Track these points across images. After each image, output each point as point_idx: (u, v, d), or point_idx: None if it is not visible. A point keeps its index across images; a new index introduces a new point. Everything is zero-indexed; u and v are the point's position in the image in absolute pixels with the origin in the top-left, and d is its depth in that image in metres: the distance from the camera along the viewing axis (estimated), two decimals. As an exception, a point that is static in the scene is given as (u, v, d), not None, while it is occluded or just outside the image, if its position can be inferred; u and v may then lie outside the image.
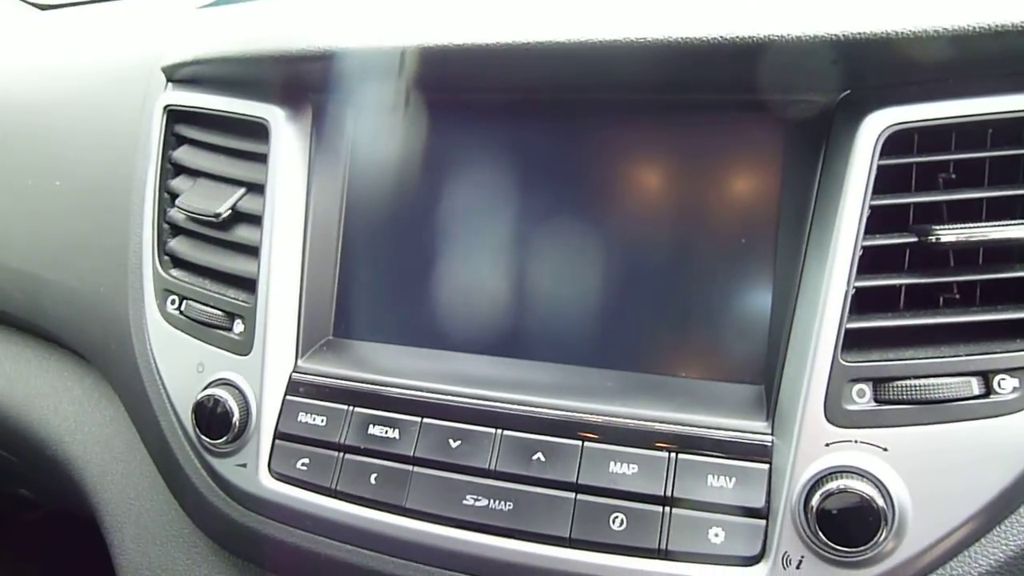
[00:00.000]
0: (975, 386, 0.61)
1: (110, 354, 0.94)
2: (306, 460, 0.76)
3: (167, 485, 0.89)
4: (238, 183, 0.85)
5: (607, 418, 0.70)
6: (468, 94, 0.82)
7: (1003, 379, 0.61)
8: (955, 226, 0.62)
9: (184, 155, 0.90)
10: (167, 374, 0.85)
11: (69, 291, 1.00)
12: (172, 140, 0.91)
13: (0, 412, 1.08)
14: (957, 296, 0.64)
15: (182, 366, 0.84)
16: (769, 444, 0.66)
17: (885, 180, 0.64)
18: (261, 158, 0.83)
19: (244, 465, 0.79)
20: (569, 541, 0.67)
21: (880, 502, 0.60)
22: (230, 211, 0.84)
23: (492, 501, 0.70)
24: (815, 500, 0.61)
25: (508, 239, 0.81)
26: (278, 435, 0.78)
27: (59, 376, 1.05)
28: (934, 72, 0.64)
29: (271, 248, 0.81)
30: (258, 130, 0.84)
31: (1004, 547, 0.62)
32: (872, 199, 0.64)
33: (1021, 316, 0.61)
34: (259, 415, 0.79)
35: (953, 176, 0.65)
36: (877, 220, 0.64)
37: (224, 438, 0.78)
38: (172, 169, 0.90)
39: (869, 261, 0.64)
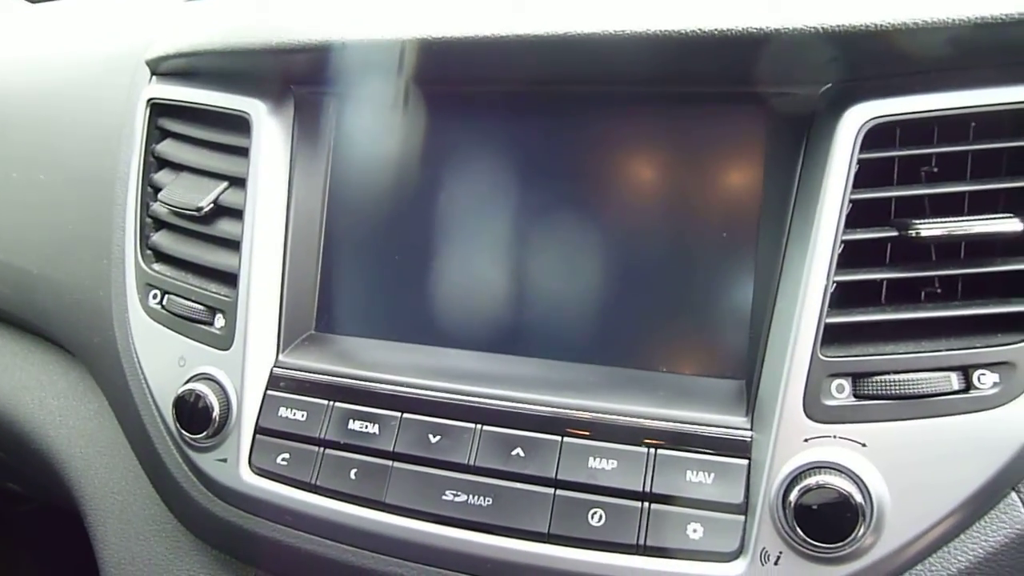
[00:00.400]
0: (955, 381, 0.60)
1: (94, 348, 0.94)
2: (286, 455, 0.76)
3: (149, 480, 0.88)
4: (220, 177, 0.85)
5: (587, 413, 0.69)
6: (451, 86, 0.82)
7: (983, 374, 0.60)
8: (937, 220, 0.62)
9: (167, 148, 0.89)
10: (149, 368, 0.85)
11: (54, 284, 0.99)
12: (156, 134, 0.90)
13: (-14, 406, 1.08)
14: (938, 291, 0.64)
15: (164, 360, 0.84)
16: (748, 439, 0.66)
17: (866, 174, 0.64)
18: (243, 152, 0.83)
19: (225, 460, 0.78)
20: (548, 536, 0.67)
21: (858, 498, 0.60)
22: (212, 205, 0.83)
23: (471, 496, 0.70)
24: (793, 496, 0.61)
25: (490, 233, 0.80)
26: (259, 430, 0.78)
27: (44, 370, 1.05)
28: (917, 65, 0.63)
29: (252, 242, 0.80)
30: (240, 123, 0.83)
31: (984, 542, 0.61)
32: (853, 193, 0.63)
33: (1002, 311, 0.61)
34: (240, 410, 0.78)
35: (935, 170, 0.64)
36: (858, 214, 0.64)
37: (204, 433, 0.78)
38: (155, 163, 0.90)
39: (850, 255, 0.64)
